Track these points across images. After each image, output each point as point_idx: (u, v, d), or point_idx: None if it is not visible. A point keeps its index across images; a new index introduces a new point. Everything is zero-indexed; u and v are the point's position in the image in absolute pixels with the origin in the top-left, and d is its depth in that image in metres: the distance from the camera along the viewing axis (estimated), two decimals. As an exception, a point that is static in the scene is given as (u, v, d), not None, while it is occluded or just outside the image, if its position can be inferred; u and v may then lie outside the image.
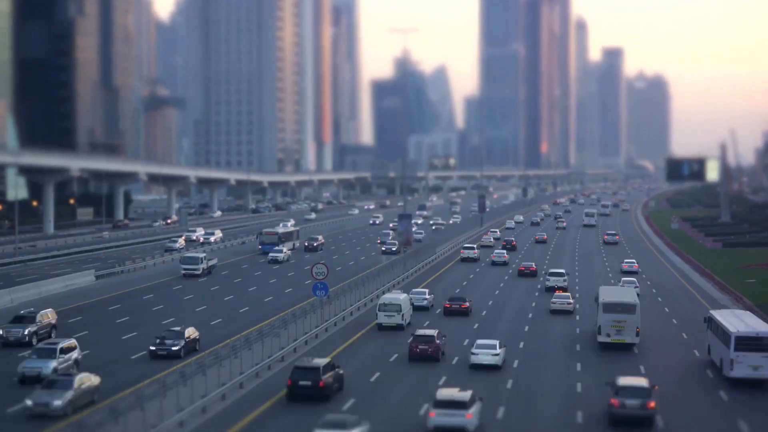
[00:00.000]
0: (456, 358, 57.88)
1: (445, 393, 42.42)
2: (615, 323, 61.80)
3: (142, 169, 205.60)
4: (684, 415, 46.30)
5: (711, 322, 58.52)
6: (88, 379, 45.24)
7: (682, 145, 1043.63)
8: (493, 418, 44.29)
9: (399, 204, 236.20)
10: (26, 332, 60.18)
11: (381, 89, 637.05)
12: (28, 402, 42.81)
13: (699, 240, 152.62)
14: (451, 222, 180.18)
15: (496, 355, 54.73)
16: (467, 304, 75.65)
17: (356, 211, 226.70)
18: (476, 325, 70.53)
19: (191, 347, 57.93)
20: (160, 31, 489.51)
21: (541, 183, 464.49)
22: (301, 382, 46.20)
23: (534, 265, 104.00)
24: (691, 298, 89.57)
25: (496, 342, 56.25)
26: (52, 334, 62.08)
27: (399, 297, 69.37)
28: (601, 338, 62.00)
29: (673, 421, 44.95)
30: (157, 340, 57.36)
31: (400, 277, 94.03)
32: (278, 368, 53.64)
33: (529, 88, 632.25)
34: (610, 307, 62.11)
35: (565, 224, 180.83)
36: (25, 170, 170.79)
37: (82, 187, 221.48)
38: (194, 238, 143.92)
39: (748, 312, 63.56)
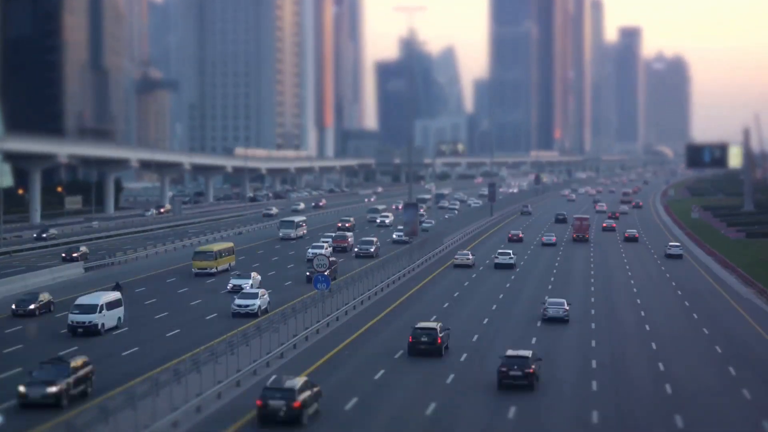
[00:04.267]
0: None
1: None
2: None
3: (133, 155, 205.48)
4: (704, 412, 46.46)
5: None
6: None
7: (703, 130, 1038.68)
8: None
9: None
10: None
11: (386, 71, 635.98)
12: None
13: (721, 230, 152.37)
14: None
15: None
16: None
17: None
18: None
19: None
20: (153, 10, 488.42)
21: (555, 170, 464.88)
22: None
23: None
24: (714, 291, 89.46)
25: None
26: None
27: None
28: None
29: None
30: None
31: (405, 270, 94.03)
32: (277, 365, 53.69)
33: (542, 70, 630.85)
34: None
35: None
36: (10, 156, 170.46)
37: (71, 175, 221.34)
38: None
39: None
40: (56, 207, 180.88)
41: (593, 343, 62.80)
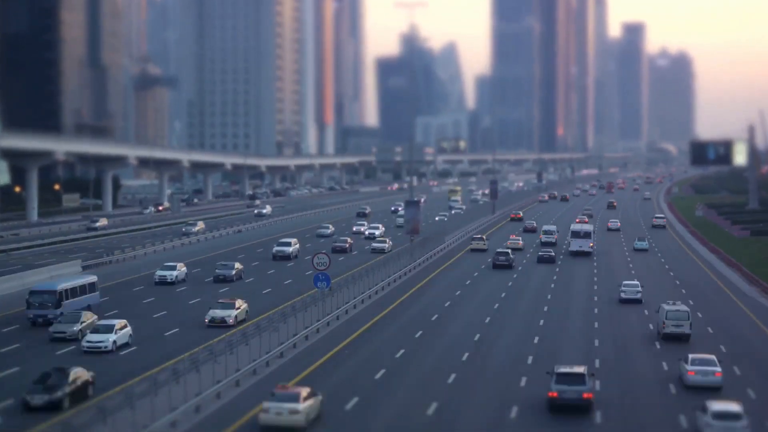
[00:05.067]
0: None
1: None
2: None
3: (131, 152, 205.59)
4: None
5: None
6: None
7: (707, 127, 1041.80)
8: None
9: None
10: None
11: (386, 67, 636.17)
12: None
13: (725, 228, 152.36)
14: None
15: None
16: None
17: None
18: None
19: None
20: (151, 6, 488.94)
21: (557, 167, 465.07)
22: None
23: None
24: (718, 290, 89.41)
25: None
26: None
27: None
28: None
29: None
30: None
31: (407, 268, 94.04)
32: (276, 365, 53.67)
33: (545, 66, 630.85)
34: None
35: None
36: (6, 154, 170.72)
37: (68, 172, 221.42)
38: None
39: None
40: (53, 205, 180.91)
41: (596, 342, 62.82)
